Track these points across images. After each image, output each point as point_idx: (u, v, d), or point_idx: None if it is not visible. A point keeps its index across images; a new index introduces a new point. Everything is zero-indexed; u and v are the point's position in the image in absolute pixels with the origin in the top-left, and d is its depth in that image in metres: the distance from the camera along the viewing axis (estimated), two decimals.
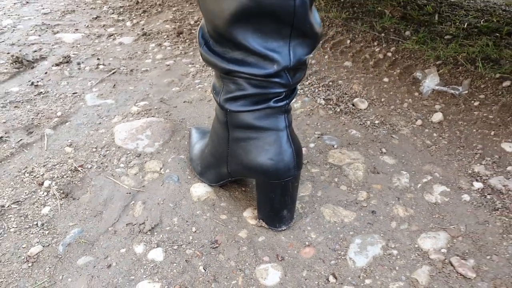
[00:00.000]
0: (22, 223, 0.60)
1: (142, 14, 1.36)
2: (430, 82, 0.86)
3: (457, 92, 0.85)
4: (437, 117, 0.80)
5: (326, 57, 1.04)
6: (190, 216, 0.61)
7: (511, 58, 0.97)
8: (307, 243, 0.56)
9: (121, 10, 1.41)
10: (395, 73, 0.96)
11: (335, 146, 0.74)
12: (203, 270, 0.53)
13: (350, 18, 1.23)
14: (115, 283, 0.51)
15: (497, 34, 1.12)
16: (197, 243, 0.56)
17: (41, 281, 0.52)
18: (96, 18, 1.36)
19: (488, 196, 0.62)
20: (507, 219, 0.58)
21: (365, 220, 0.59)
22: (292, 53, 0.44)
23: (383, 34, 1.12)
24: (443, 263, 0.53)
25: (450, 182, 0.65)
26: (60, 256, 0.55)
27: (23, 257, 0.55)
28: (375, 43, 1.09)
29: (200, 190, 0.64)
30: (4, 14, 1.39)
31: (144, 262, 0.54)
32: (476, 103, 0.84)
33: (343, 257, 0.54)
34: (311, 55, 0.48)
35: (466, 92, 0.86)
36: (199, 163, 0.65)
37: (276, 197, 0.55)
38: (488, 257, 0.53)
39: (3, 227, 0.59)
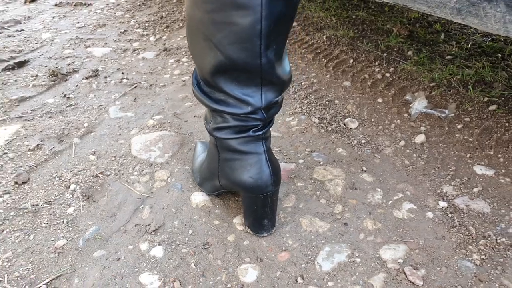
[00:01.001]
0: (51, 220, 0.72)
1: (165, 29, 1.49)
2: (419, 105, 0.93)
3: (443, 115, 0.92)
4: (420, 138, 0.87)
5: (327, 76, 1.13)
6: (188, 220, 0.71)
7: (505, 80, 1.02)
8: (284, 248, 0.66)
9: (146, 24, 1.54)
10: (389, 94, 1.03)
11: (321, 163, 0.83)
12: (194, 267, 0.63)
13: (357, 37, 1.31)
14: (122, 273, 0.63)
15: (499, 55, 1.17)
16: (191, 244, 0.67)
17: (64, 268, 0.64)
18: (123, 32, 1.49)
19: (450, 215, 0.70)
20: (462, 236, 0.66)
21: (337, 231, 0.68)
22: (264, 97, 0.54)
23: (385, 54, 1.20)
24: (398, 271, 0.61)
25: (419, 200, 0.73)
26: (80, 249, 0.67)
27: (51, 248, 0.67)
28: (377, 63, 1.16)
29: (199, 198, 0.75)
30: (44, 27, 1.55)
31: (146, 258, 0.65)
32: (460, 126, 0.91)
33: (312, 262, 0.63)
34: (280, 97, 0.57)
35: (452, 115, 0.93)
36: (199, 175, 0.76)
37: (258, 209, 0.65)
38: (438, 268, 0.61)
39: (37, 222, 0.72)
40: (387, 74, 1.10)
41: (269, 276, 0.62)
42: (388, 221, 0.70)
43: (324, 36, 1.32)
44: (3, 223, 0.72)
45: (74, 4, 1.79)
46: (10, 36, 1.48)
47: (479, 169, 0.79)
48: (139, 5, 1.74)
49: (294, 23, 1.44)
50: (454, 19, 0.71)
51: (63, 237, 0.69)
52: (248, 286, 0.60)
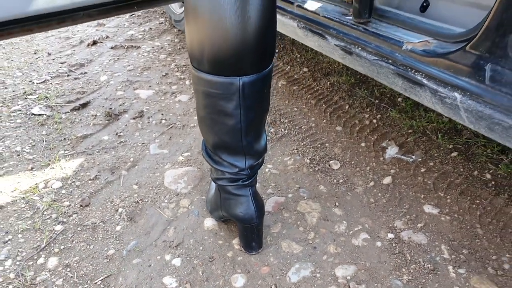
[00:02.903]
0: (105, 235, 1.02)
1: None
2: (391, 150, 1.15)
3: (411, 160, 1.13)
4: (387, 180, 1.09)
5: (324, 121, 1.36)
6: (200, 239, 0.98)
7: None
8: (266, 263, 0.91)
9: (184, 68, 1.85)
10: (372, 139, 1.26)
11: (305, 198, 1.07)
12: (201, 274, 0.90)
13: (357, 83, 1.54)
14: (151, 276, 0.90)
15: None
16: (201, 257, 0.94)
17: (113, 270, 0.92)
18: (165, 75, 1.81)
19: (394, 244, 0.91)
20: (399, 261, 0.88)
21: (307, 253, 0.92)
22: (246, 162, 0.80)
23: (377, 101, 1.42)
24: (345, 285, 0.84)
25: (374, 232, 0.95)
26: (123, 257, 0.95)
27: (104, 255, 0.96)
28: (368, 109, 1.38)
29: (209, 222, 1.02)
30: (102, 70, 1.90)
31: (169, 265, 0.92)
32: (423, 170, 1.11)
33: (284, 275, 0.88)
34: (259, 161, 0.83)
35: (420, 159, 1.14)
36: (209, 205, 1.03)
37: (247, 234, 0.90)
38: (375, 284, 0.84)
39: (95, 236, 1.02)
40: (374, 120, 1.32)
41: (253, 283, 0.87)
42: (346, 247, 0.93)
43: (328, 83, 1.56)
44: (73, 235, 1.02)
45: (126, 47, 2.13)
46: (76, 78, 1.83)
47: (427, 208, 1.00)
48: (179, 48, 2.05)
49: (305, 69, 1.69)
50: (405, 93, 0.94)
51: (112, 248, 0.98)
52: None
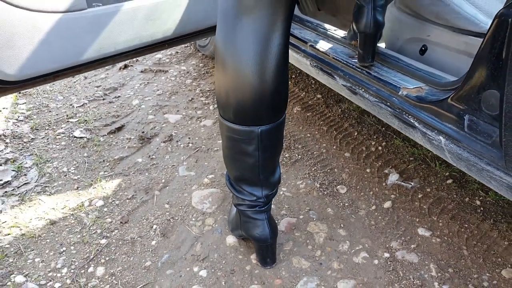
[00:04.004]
0: (142, 248, 1.20)
1: None
2: (393, 177, 1.29)
3: (410, 186, 1.27)
4: (387, 204, 1.23)
5: (334, 147, 1.52)
6: (223, 254, 1.15)
7: None
8: (279, 276, 1.07)
9: (208, 93, 2.03)
10: (377, 165, 1.40)
11: (314, 219, 1.22)
12: (223, 284, 1.06)
13: (365, 111, 1.68)
14: (182, 285, 1.07)
15: None
16: (223, 269, 1.10)
17: (149, 279, 1.10)
18: (191, 100, 1.99)
19: (389, 262, 1.06)
20: (392, 277, 1.02)
21: (314, 268, 1.08)
22: (263, 192, 0.97)
23: (383, 128, 1.56)
24: None
25: (373, 251, 1.10)
26: (158, 268, 1.13)
27: (142, 266, 1.14)
28: (375, 136, 1.53)
29: (231, 239, 1.18)
30: (134, 94, 2.10)
31: (197, 276, 1.09)
32: (420, 195, 1.25)
33: (294, 286, 1.03)
34: (274, 191, 0.99)
35: (418, 186, 1.28)
36: (231, 225, 1.19)
37: (262, 252, 1.06)
38: None
39: (134, 250, 1.19)
40: (380, 147, 1.47)
41: None
42: (348, 264, 1.08)
43: (340, 110, 1.71)
44: (115, 248, 1.20)
45: (155, 71, 2.34)
46: (111, 102, 2.04)
47: (421, 231, 1.14)
48: (203, 73, 2.24)
49: (319, 95, 1.84)
50: (401, 131, 1.09)
51: (149, 260, 1.16)
52: None
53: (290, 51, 1.46)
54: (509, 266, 1.04)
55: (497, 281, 1.00)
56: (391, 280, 1.02)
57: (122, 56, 1.25)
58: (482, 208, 1.19)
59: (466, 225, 1.15)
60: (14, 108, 2.02)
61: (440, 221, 1.17)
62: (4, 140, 1.75)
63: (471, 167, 0.88)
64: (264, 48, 0.80)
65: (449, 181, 1.28)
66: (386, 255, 1.09)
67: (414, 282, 1.00)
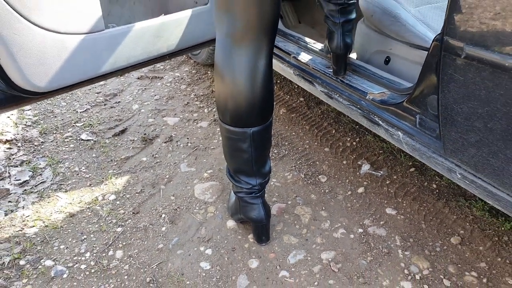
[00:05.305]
0: (154, 234, 1.40)
1: (214, 102, 2.17)
2: (365, 167, 1.53)
3: (379, 174, 1.50)
4: (361, 190, 1.47)
5: (315, 143, 1.74)
6: (224, 235, 1.36)
7: None
8: (272, 251, 1.29)
9: (202, 97, 2.23)
10: (352, 157, 1.63)
11: (300, 204, 1.45)
12: (227, 259, 1.27)
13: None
14: (191, 261, 1.28)
15: None
16: (226, 248, 1.31)
17: (163, 259, 1.30)
18: (187, 104, 2.19)
19: (362, 236, 1.29)
20: (365, 248, 1.25)
21: (301, 243, 1.30)
22: (257, 181, 1.18)
23: (357, 126, 1.79)
24: (327, 263, 1.22)
25: (349, 228, 1.33)
26: (170, 249, 1.33)
27: (156, 249, 1.34)
28: (350, 133, 1.76)
29: (231, 223, 1.40)
30: (133, 99, 2.29)
31: (203, 254, 1.30)
32: (388, 182, 1.49)
33: (285, 258, 1.25)
34: (266, 179, 1.21)
35: (386, 174, 1.51)
36: (230, 210, 1.40)
37: (258, 231, 1.28)
38: (348, 264, 1.21)
39: (146, 235, 1.39)
40: (354, 143, 1.70)
41: (263, 265, 1.25)
42: (329, 238, 1.30)
43: (320, 111, 1.94)
44: (131, 235, 1.40)
45: (151, 77, 2.53)
46: (112, 107, 2.22)
47: (388, 210, 1.37)
48: (197, 79, 2.44)
49: (301, 99, 2.07)
50: (369, 128, 1.32)
51: (161, 243, 1.36)
52: (252, 270, 1.24)
53: (276, 61, 1.68)
54: (457, 235, 1.28)
55: (446, 247, 1.24)
56: (364, 250, 1.25)
57: (132, 67, 1.45)
58: (437, 190, 1.44)
59: (425, 205, 1.39)
60: (21, 114, 2.18)
61: (404, 202, 1.40)
62: (16, 144, 1.92)
63: (422, 155, 1.12)
64: (253, 68, 1.02)
65: (412, 169, 1.52)
66: (360, 230, 1.32)
67: (382, 251, 1.24)
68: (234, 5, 0.94)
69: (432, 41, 0.95)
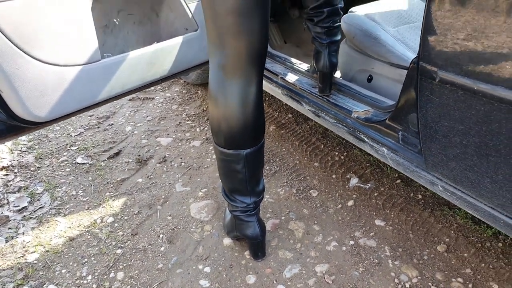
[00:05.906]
0: (153, 254, 1.44)
1: (206, 121, 2.23)
2: (353, 180, 1.60)
3: (367, 187, 1.57)
4: (350, 203, 1.53)
5: (305, 158, 1.81)
6: (222, 253, 1.41)
7: None
8: (268, 266, 1.34)
9: (194, 117, 2.29)
10: (340, 171, 1.70)
11: (294, 219, 1.51)
12: (225, 276, 1.32)
13: None
14: (191, 280, 1.32)
15: None
16: (223, 265, 1.36)
17: (163, 279, 1.34)
18: (179, 124, 2.25)
19: (354, 248, 1.35)
20: (357, 259, 1.31)
21: (295, 257, 1.35)
22: (251, 199, 1.24)
23: (344, 141, 1.87)
24: (322, 276, 1.27)
25: (340, 240, 1.39)
26: (169, 269, 1.37)
27: (156, 269, 1.38)
28: (338, 148, 1.84)
29: (227, 241, 1.45)
30: (126, 121, 2.34)
31: (202, 272, 1.35)
32: (376, 194, 1.56)
33: (281, 273, 1.31)
34: (260, 198, 1.27)
35: (374, 186, 1.59)
36: (226, 228, 1.46)
37: (254, 248, 1.34)
38: (341, 275, 1.27)
39: (146, 256, 1.44)
40: (342, 157, 1.78)
41: (261, 280, 1.30)
42: (322, 252, 1.36)
43: (308, 127, 2.02)
44: (130, 256, 1.44)
45: (142, 99, 2.58)
46: (105, 130, 2.27)
47: (377, 222, 1.44)
48: (188, 99, 2.51)
49: (290, 115, 2.15)
50: (356, 145, 1.39)
51: (160, 263, 1.40)
52: (250, 285, 1.29)
53: (265, 82, 1.76)
54: (442, 243, 1.35)
55: (433, 255, 1.31)
56: (356, 261, 1.31)
57: (127, 93, 1.51)
58: (423, 201, 1.51)
59: (412, 215, 1.46)
60: (16, 140, 2.21)
61: (392, 213, 1.47)
62: (13, 170, 1.95)
63: (406, 169, 1.19)
64: (245, 95, 1.09)
65: (398, 181, 1.59)
66: (352, 242, 1.38)
67: (373, 261, 1.30)
68: (223, 38, 1.01)
69: (410, 64, 1.03)
